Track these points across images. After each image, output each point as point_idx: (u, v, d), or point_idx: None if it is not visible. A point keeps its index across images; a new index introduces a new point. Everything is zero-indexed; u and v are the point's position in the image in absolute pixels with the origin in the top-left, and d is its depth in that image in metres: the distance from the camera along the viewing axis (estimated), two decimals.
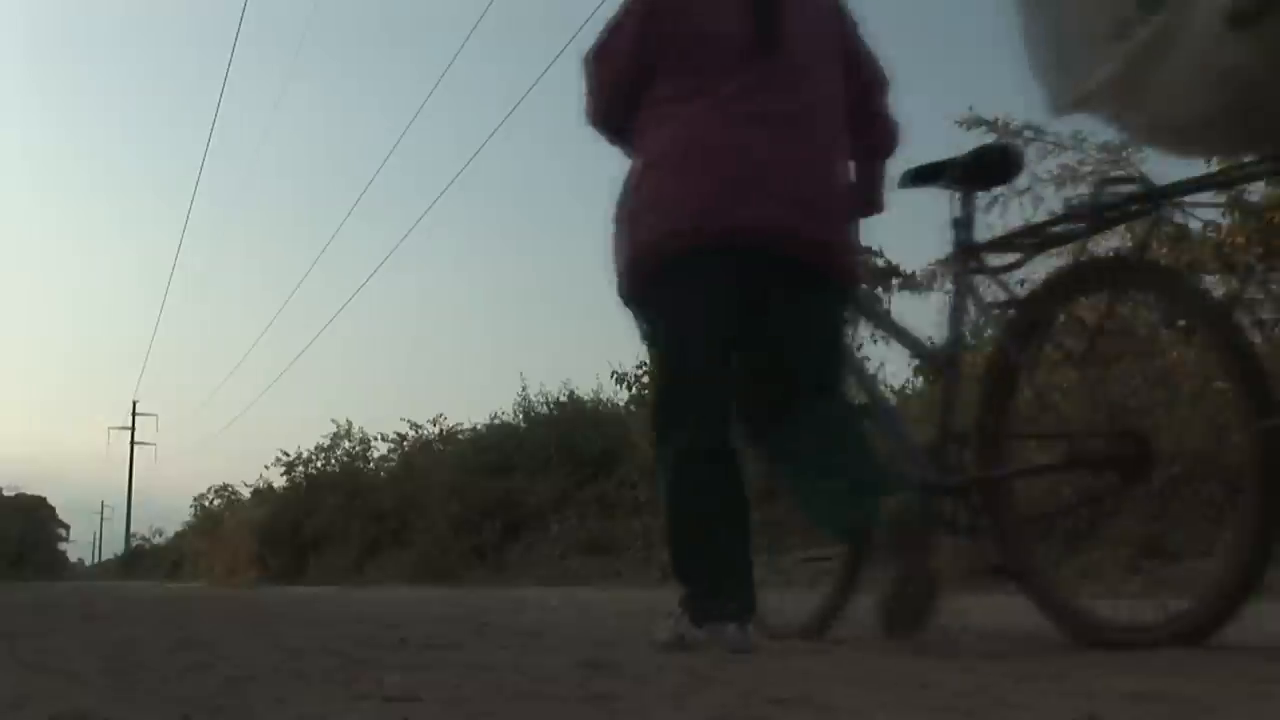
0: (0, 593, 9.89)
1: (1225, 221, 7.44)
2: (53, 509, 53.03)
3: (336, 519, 18.24)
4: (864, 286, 2.98)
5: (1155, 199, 2.27)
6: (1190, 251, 7.59)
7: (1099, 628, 2.36)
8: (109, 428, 61.93)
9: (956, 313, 2.63)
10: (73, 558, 61.38)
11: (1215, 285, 7.81)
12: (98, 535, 74.36)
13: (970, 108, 8.85)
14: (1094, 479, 2.44)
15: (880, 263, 22.02)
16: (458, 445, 17.39)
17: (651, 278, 2.43)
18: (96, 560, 66.33)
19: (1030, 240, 2.56)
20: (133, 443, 46.51)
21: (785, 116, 2.40)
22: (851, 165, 2.63)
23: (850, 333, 2.80)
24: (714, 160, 2.36)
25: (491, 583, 11.72)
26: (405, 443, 18.72)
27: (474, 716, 1.49)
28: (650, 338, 2.51)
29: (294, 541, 19.61)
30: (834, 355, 2.54)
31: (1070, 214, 2.56)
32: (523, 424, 16.11)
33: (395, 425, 19.69)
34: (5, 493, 46.65)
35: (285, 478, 21.61)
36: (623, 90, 2.57)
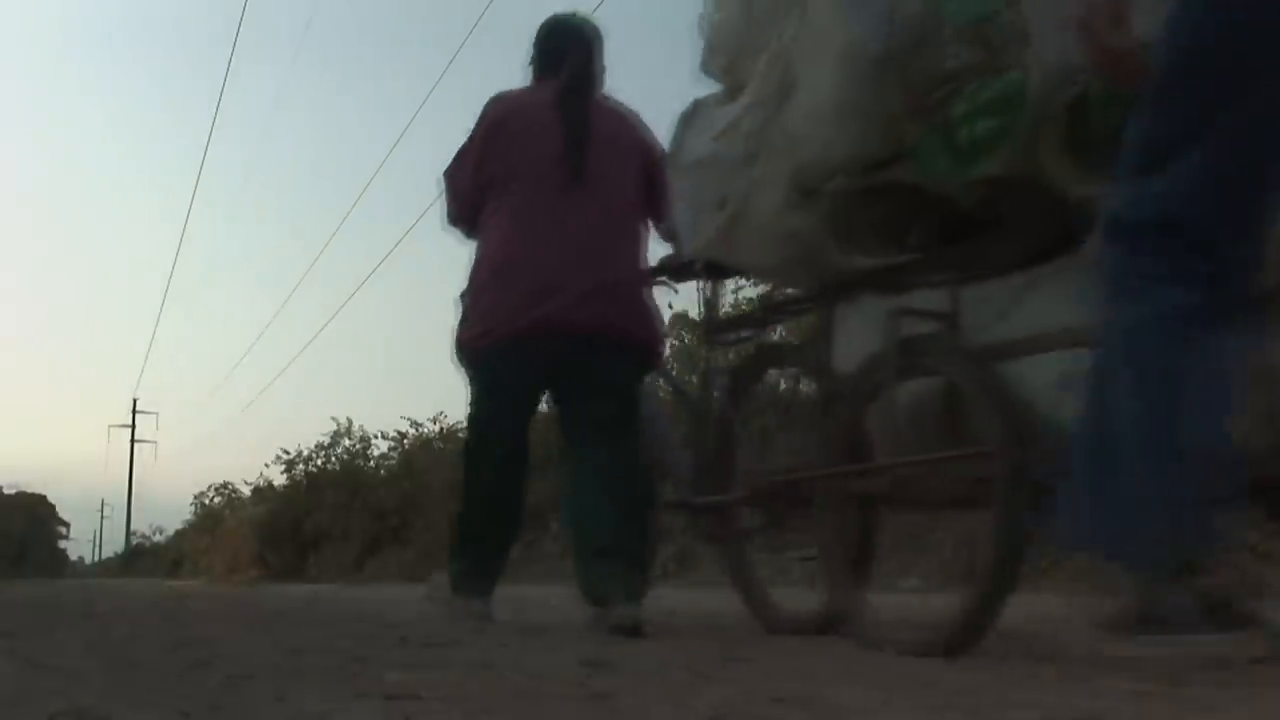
0: (0, 590, 9.90)
1: None
2: (53, 507, 53.04)
3: (337, 517, 18.25)
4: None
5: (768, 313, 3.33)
6: None
7: (780, 619, 3.10)
8: (109, 426, 61.95)
9: (707, 374, 3.44)
10: (73, 556, 61.44)
11: None
12: (98, 533, 74.45)
13: None
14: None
15: None
16: (458, 443, 17.38)
17: (470, 360, 3.25)
18: (97, 558, 66.32)
19: (753, 320, 3.37)
20: (133, 441, 46.55)
21: (586, 231, 3.09)
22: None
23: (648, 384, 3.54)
24: (518, 275, 3.08)
25: None
26: (406, 441, 18.71)
27: (474, 715, 1.49)
28: (469, 399, 3.31)
29: (294, 539, 19.61)
30: (616, 403, 3.18)
31: (773, 305, 3.35)
32: None
33: (396, 423, 19.66)
34: (5, 491, 46.68)
35: (285, 476, 21.62)
36: (469, 201, 3.28)
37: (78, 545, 74.08)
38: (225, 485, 27.23)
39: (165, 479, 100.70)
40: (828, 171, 2.27)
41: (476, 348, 3.19)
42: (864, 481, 2.56)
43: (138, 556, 44.68)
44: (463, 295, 3.32)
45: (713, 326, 3.35)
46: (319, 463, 20.57)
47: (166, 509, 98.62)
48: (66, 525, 55.64)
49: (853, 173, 2.27)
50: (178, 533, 35.86)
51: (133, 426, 47.12)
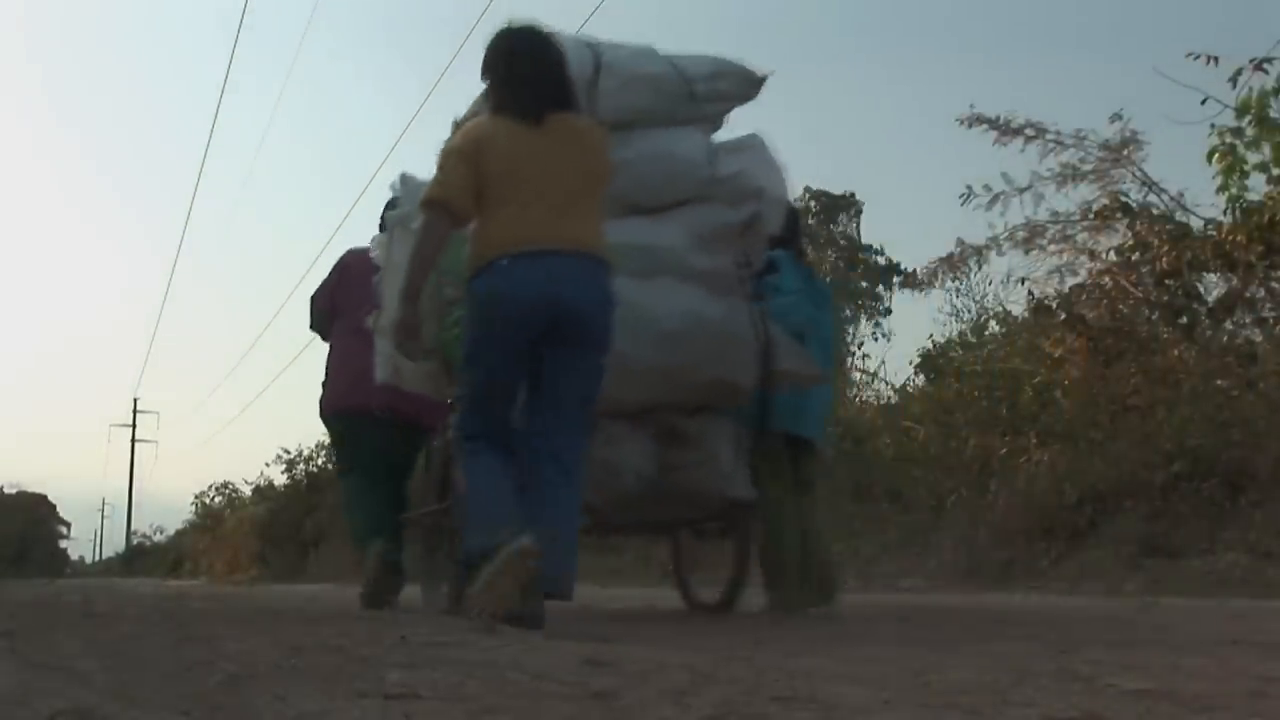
0: (1, 590, 9.89)
1: (1226, 220, 7.45)
2: (54, 506, 53.05)
3: (337, 517, 18.24)
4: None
5: None
6: (1191, 249, 7.60)
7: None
8: (110, 425, 61.94)
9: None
10: (74, 555, 61.44)
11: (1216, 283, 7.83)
12: (98, 533, 74.53)
13: (971, 106, 8.90)
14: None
15: (880, 261, 21.92)
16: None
17: (325, 421, 5.06)
18: (97, 558, 66.30)
19: None
20: (134, 440, 46.47)
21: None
22: None
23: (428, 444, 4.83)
24: (342, 371, 4.81)
25: None
26: None
27: (475, 714, 1.49)
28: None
29: (295, 539, 19.62)
30: (407, 457, 4.93)
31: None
32: None
33: None
34: (6, 490, 46.69)
35: (286, 475, 21.64)
36: (325, 319, 5.01)
37: (78, 545, 74.14)
38: (226, 485, 27.28)
39: (166, 479, 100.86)
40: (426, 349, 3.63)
41: (324, 417, 5.05)
42: (441, 518, 4.34)
43: (138, 556, 44.68)
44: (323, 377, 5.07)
45: None
46: (319, 462, 20.57)
47: (167, 508, 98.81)
48: (67, 525, 55.67)
49: (429, 351, 3.67)
50: (178, 532, 35.91)
51: (134, 426, 47.08)
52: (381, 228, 4.30)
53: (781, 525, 3.95)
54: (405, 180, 4.05)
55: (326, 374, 4.92)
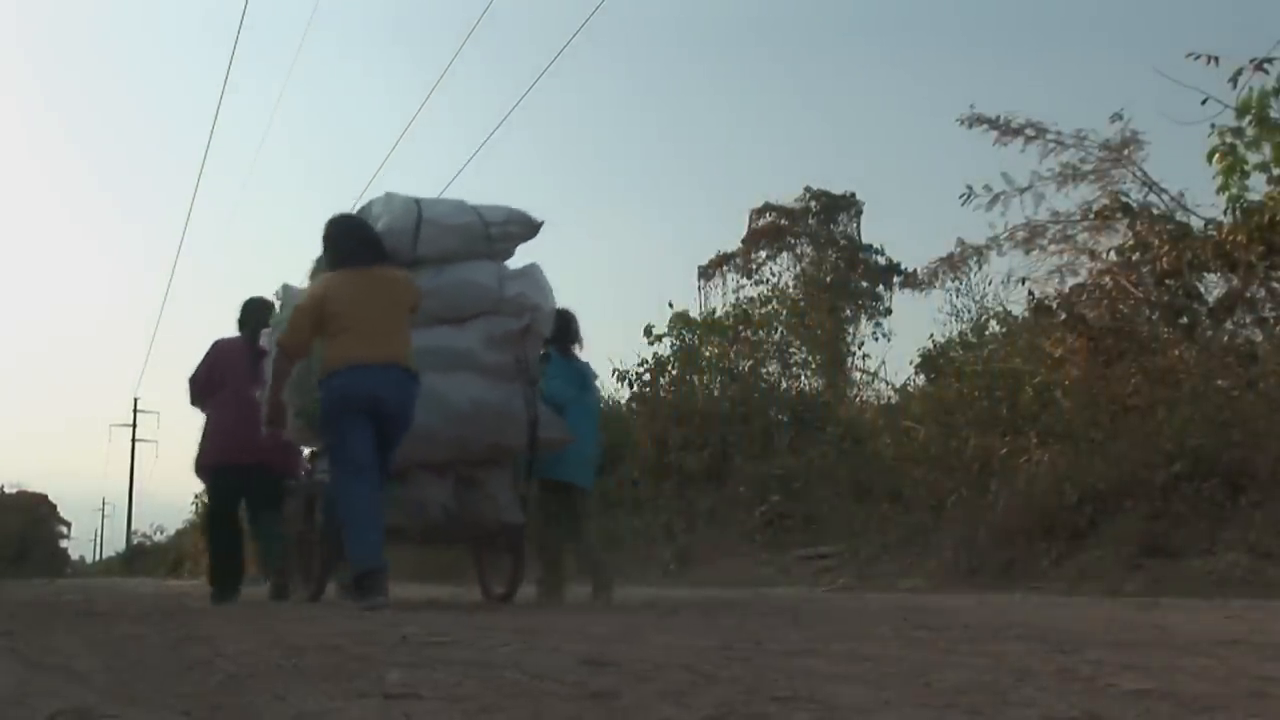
0: (1, 590, 9.89)
1: (1226, 220, 7.44)
2: (54, 506, 53.06)
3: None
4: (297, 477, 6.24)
5: None
6: (1192, 249, 7.59)
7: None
8: (110, 425, 61.85)
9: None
10: (74, 555, 61.46)
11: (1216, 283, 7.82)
12: (99, 533, 74.44)
13: (971, 106, 8.90)
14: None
15: (881, 260, 21.89)
16: None
17: (202, 472, 6.23)
18: (98, 558, 66.28)
19: None
20: (134, 440, 46.41)
21: (253, 406, 5.21)
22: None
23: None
24: (218, 435, 6.06)
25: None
26: None
27: (474, 714, 1.49)
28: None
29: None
30: (269, 500, 6.12)
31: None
32: None
33: None
34: (6, 490, 46.69)
35: None
36: (201, 392, 6.22)
37: (79, 544, 74.24)
38: None
39: (166, 478, 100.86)
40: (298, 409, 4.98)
41: (202, 470, 6.23)
42: (308, 534, 5.89)
43: (139, 556, 44.65)
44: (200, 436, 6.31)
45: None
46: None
47: (168, 508, 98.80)
48: (67, 525, 55.71)
49: (300, 414, 4.97)
50: (179, 532, 35.87)
51: (134, 426, 47.02)
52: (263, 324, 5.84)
53: (545, 541, 5.61)
54: (285, 289, 5.39)
55: (204, 437, 6.15)
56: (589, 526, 5.84)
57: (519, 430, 5.16)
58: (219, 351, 6.13)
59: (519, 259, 5.56)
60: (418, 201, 5.27)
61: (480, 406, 5.06)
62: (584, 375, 5.81)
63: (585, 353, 5.86)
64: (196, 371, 6.18)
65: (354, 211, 5.25)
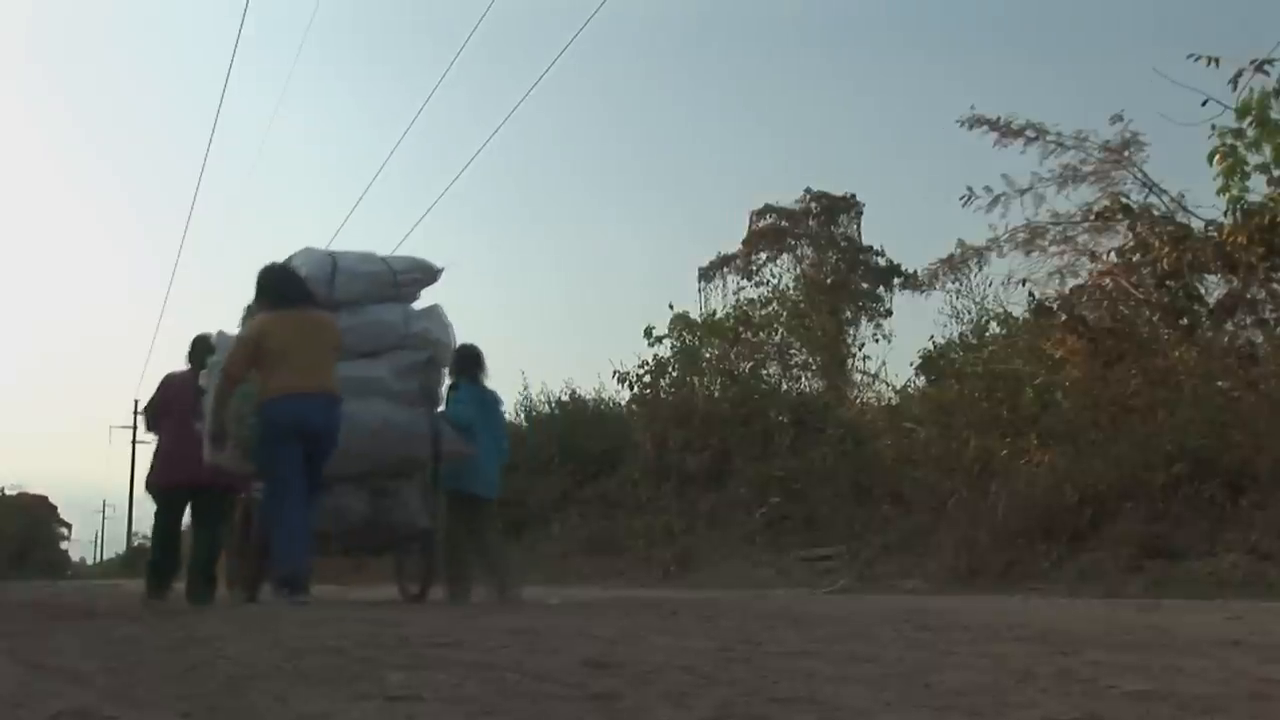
0: (2, 591, 9.90)
1: (1227, 221, 7.44)
2: (54, 508, 52.98)
3: None
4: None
5: None
6: (1192, 250, 7.59)
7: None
8: (111, 427, 61.86)
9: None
10: (75, 556, 61.33)
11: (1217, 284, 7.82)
12: (99, 534, 74.37)
13: (972, 107, 8.90)
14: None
15: (881, 262, 21.81)
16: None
17: (153, 490, 6.55)
18: (98, 559, 66.27)
19: None
20: (135, 441, 46.33)
21: (197, 432, 5.83)
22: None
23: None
24: (168, 458, 6.41)
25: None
26: None
27: (476, 716, 1.49)
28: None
29: None
30: (210, 514, 6.43)
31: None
32: (525, 423, 16.10)
33: None
34: (7, 492, 46.60)
35: None
36: (153, 419, 6.70)
37: (79, 546, 74.12)
38: None
39: None
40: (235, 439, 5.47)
41: (151, 490, 6.59)
42: (246, 546, 6.38)
43: (139, 557, 44.52)
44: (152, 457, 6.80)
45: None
46: None
47: None
48: (68, 526, 55.65)
49: (236, 443, 5.44)
50: None
51: (134, 427, 46.93)
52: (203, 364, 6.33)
53: (453, 546, 6.32)
54: (220, 335, 6.22)
55: (155, 458, 6.79)
56: (494, 533, 6.66)
57: (424, 445, 6.10)
58: (169, 383, 6.74)
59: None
60: (332, 254, 6.36)
61: (390, 426, 5.96)
62: (490, 401, 6.73)
63: (492, 381, 6.85)
64: (150, 401, 6.87)
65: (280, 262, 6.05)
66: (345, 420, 5.33)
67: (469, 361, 6.58)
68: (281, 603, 4.90)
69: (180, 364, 6.70)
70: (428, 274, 6.51)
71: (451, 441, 6.17)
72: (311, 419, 5.14)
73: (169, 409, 6.54)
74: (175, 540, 6.87)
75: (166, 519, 6.78)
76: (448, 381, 6.54)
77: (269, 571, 5.53)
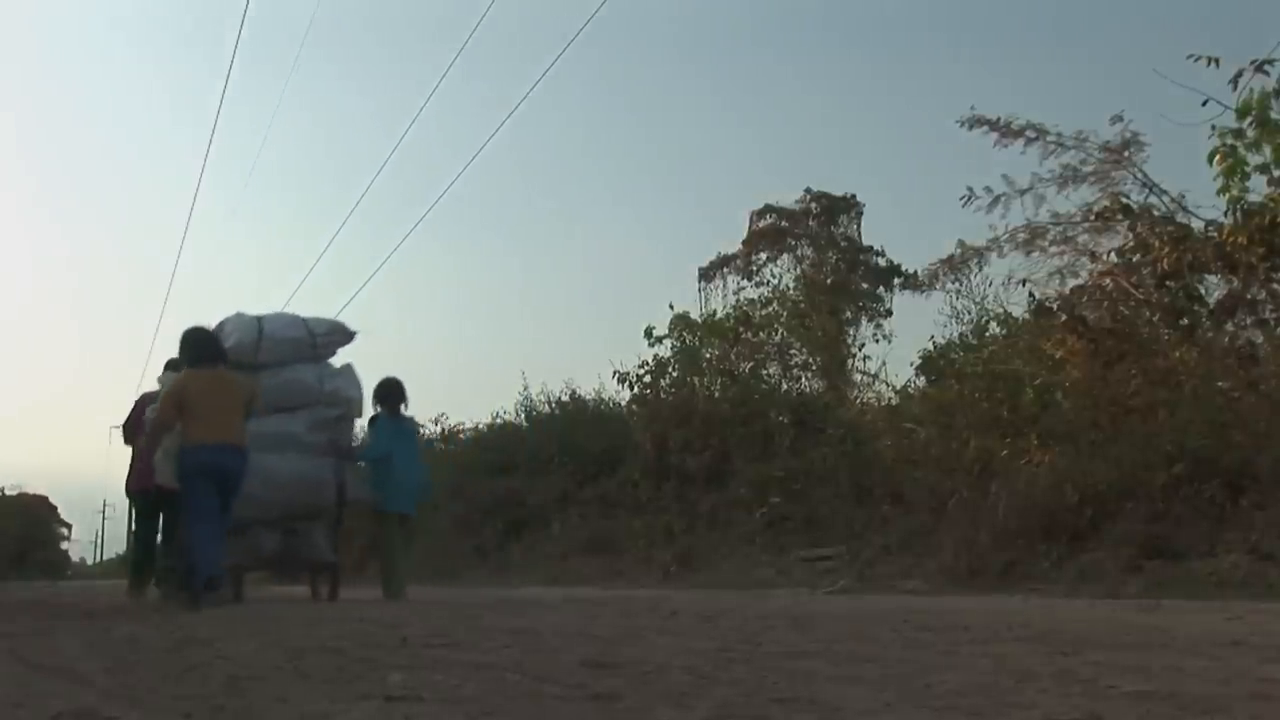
0: (2, 592, 9.90)
1: (1227, 222, 7.44)
2: (55, 508, 52.91)
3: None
4: None
5: None
6: (1192, 251, 7.59)
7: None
8: (111, 426, 61.87)
9: None
10: (75, 557, 61.30)
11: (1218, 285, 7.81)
12: (100, 534, 74.35)
13: (972, 107, 8.90)
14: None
15: (881, 262, 21.81)
16: (460, 445, 17.36)
17: (130, 493, 7.76)
18: (99, 559, 66.28)
19: None
20: None
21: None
22: None
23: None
24: (143, 465, 6.86)
25: (493, 582, 11.72)
26: None
27: (476, 716, 1.49)
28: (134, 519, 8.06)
29: None
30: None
31: None
32: (525, 423, 16.09)
33: None
34: (7, 492, 46.54)
35: None
36: (129, 433, 7.69)
37: (80, 546, 74.03)
38: None
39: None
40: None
41: (130, 495, 7.64)
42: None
43: None
44: (132, 461, 7.53)
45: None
46: None
47: None
48: (68, 526, 55.55)
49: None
50: None
51: None
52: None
53: (387, 551, 7.51)
54: (165, 376, 7.02)
55: (131, 467, 7.54)
56: (411, 544, 8.11)
57: (330, 493, 7.10)
58: (143, 403, 7.55)
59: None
60: (259, 319, 7.15)
61: (300, 477, 6.87)
62: (407, 431, 7.69)
63: (409, 409, 7.74)
64: (127, 418, 7.83)
65: (210, 326, 6.80)
66: (262, 473, 6.30)
67: (389, 393, 7.53)
68: (196, 599, 5.79)
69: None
70: (344, 336, 7.46)
71: (356, 488, 7.24)
72: (222, 464, 6.01)
73: (142, 425, 7.17)
74: (150, 537, 7.60)
75: (144, 521, 7.59)
76: (362, 424, 7.77)
77: (190, 575, 6.23)
